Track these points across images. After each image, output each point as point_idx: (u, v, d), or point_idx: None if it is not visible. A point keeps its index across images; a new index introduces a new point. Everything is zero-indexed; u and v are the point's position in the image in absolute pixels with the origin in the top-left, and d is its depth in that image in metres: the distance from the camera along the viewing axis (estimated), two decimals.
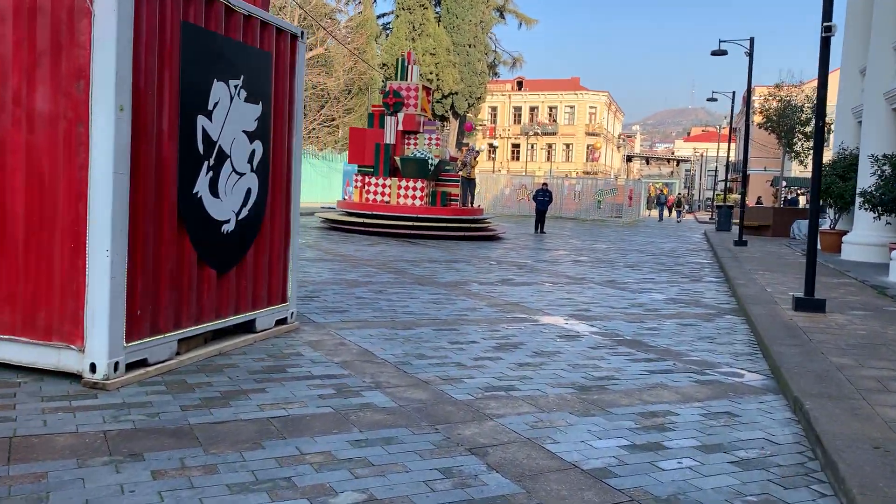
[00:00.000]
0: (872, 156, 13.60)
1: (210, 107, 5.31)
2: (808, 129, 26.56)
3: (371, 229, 19.43)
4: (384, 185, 20.16)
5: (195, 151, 5.19)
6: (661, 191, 52.88)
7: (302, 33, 6.56)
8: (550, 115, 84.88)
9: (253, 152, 5.87)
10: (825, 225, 18.73)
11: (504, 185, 40.62)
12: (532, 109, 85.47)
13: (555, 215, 38.09)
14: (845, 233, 17.51)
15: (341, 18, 45.20)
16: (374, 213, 19.64)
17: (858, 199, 13.41)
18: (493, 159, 78.91)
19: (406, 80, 21.01)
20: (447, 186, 20.81)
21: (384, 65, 43.40)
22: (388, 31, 54.92)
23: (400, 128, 20.54)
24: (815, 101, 8.64)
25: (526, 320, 8.11)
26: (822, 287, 10.92)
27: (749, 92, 20.39)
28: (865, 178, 14.31)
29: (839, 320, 8.14)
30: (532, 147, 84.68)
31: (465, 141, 48.60)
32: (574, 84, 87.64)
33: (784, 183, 37.59)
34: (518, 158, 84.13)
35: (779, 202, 38.88)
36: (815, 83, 25.61)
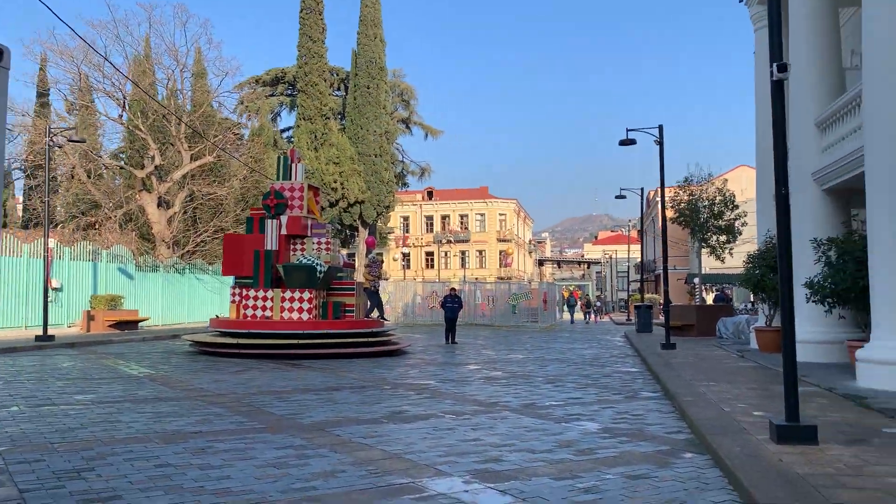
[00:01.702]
0: (815, 240, 11.94)
1: None
2: (721, 222, 25.64)
3: (250, 351, 16.40)
4: (265, 298, 17.31)
5: None
6: (572, 293, 51.77)
7: (1, 52, 4.03)
8: (462, 223, 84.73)
9: None
10: (760, 322, 16.98)
11: (416, 292, 38.23)
12: (444, 218, 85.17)
13: (469, 322, 35.85)
14: None
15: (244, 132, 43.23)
16: (252, 331, 16.67)
17: (805, 291, 11.65)
18: (406, 268, 77.14)
19: (290, 179, 18.65)
20: (341, 296, 18.14)
21: None
22: (290, 142, 53.33)
23: (284, 232, 17.96)
24: (774, 166, 6.67)
25: (405, 490, 5.39)
26: (780, 398, 8.77)
27: (662, 183, 19.09)
28: (805, 268, 12.65)
29: (846, 458, 5.80)
30: (446, 255, 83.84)
31: (371, 254, 46.55)
32: (483, 193, 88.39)
33: (696, 280, 36.74)
34: (432, 266, 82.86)
35: (694, 300, 37.95)
36: (725, 177, 24.79)
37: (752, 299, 39.83)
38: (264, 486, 5.48)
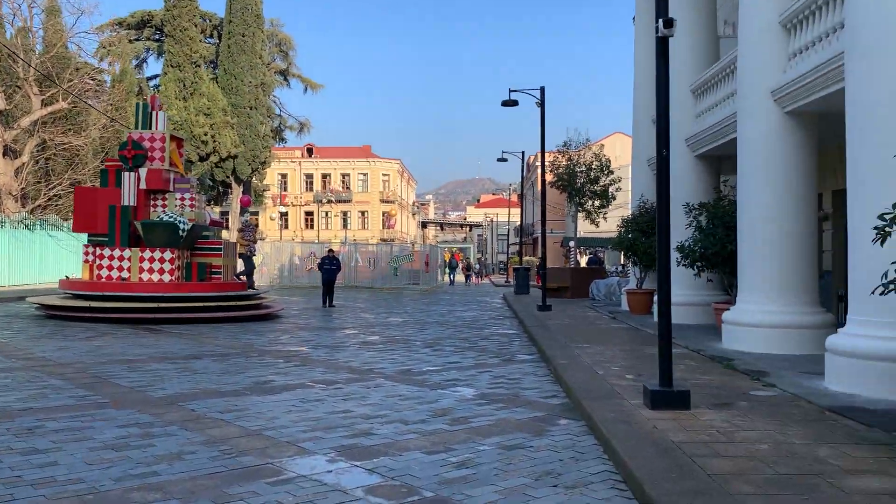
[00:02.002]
0: (687, 205, 12.19)
1: None
2: (597, 187, 26.22)
3: (105, 316, 15.06)
4: (122, 258, 15.92)
5: None
6: (454, 256, 52.12)
7: None
8: (343, 182, 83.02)
9: None
10: (631, 284, 17.45)
11: (293, 253, 36.99)
12: (325, 176, 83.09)
13: (349, 285, 35.18)
14: (654, 292, 16.25)
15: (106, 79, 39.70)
16: (107, 293, 15.31)
17: (676, 255, 11.89)
18: (284, 227, 75.03)
19: (150, 128, 17.14)
20: (206, 256, 17.00)
21: None
22: (157, 90, 49.86)
23: (143, 186, 16.51)
24: (657, 127, 6.47)
25: (261, 473, 4.84)
26: (651, 360, 8.88)
27: (543, 143, 19.08)
28: (677, 231, 12.95)
29: (718, 424, 5.79)
30: (327, 215, 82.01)
31: (244, 215, 44.57)
32: (366, 152, 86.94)
33: (572, 243, 37.74)
34: (312, 226, 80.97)
35: (570, 262, 39.05)
36: (602, 143, 25.27)
37: (622, 262, 41.51)
38: (96, 472, 4.77)
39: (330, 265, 21.85)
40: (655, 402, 6.31)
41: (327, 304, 21.51)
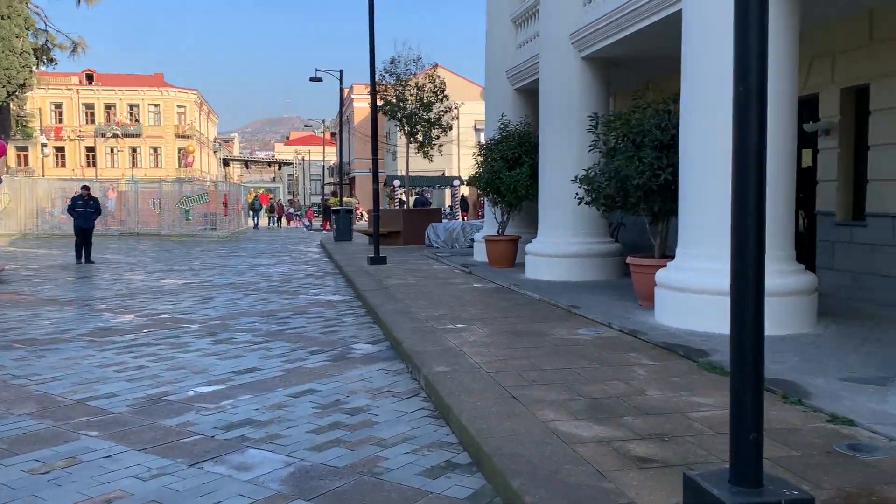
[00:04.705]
0: (594, 116, 8.54)
1: None
2: (431, 115, 22.36)
3: None
4: None
5: None
6: (258, 196, 46.53)
7: None
8: (132, 114, 72.60)
9: None
10: (488, 230, 13.85)
11: (46, 194, 29.74)
12: (109, 107, 72.09)
13: (130, 231, 28.95)
14: (518, 239, 12.77)
15: None
16: None
17: (582, 190, 8.35)
18: (60, 165, 64.45)
19: None
20: None
21: None
22: None
23: None
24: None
25: None
26: (593, 363, 5.28)
27: (372, 51, 14.73)
28: (560, 164, 9.47)
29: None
30: (112, 150, 71.54)
31: None
32: (158, 80, 76.65)
33: (397, 182, 33.93)
34: (95, 164, 70.37)
35: (395, 204, 35.28)
36: (437, 69, 21.28)
37: (449, 203, 38.44)
38: None
39: (85, 207, 16.22)
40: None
41: (83, 259, 15.97)
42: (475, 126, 47.15)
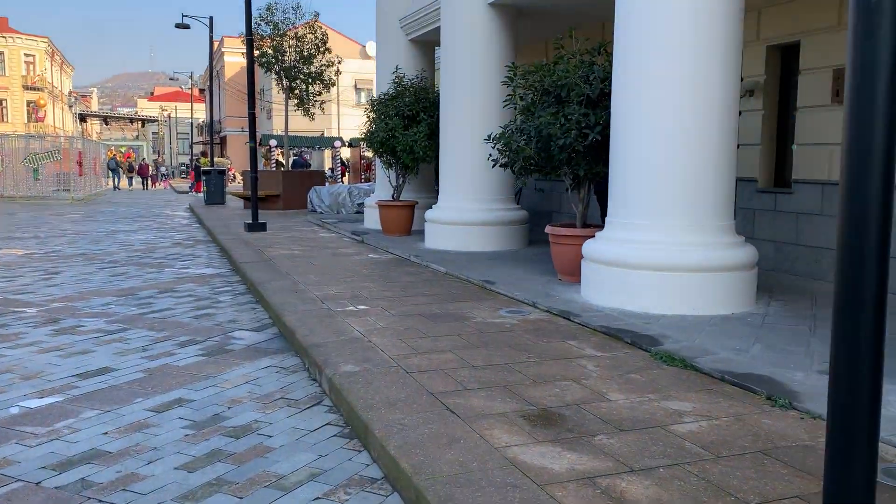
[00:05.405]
0: (511, 66, 7.57)
1: None
2: (312, 68, 20.68)
3: None
4: None
5: None
6: (115, 155, 42.82)
7: None
8: None
9: None
10: (380, 194, 12.71)
11: None
12: None
13: None
14: (415, 205, 11.74)
15: None
16: None
17: (496, 151, 7.40)
18: None
19: None
20: None
21: None
22: None
23: None
24: None
25: None
26: (498, 345, 4.44)
27: (248, 16, 13.06)
28: (466, 123, 8.51)
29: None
30: None
31: None
32: (2, 25, 68.74)
33: (273, 142, 31.86)
34: None
35: (270, 165, 33.16)
36: (317, 20, 19.60)
37: (330, 166, 36.70)
38: None
39: None
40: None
41: None
42: (356, 85, 45.29)
